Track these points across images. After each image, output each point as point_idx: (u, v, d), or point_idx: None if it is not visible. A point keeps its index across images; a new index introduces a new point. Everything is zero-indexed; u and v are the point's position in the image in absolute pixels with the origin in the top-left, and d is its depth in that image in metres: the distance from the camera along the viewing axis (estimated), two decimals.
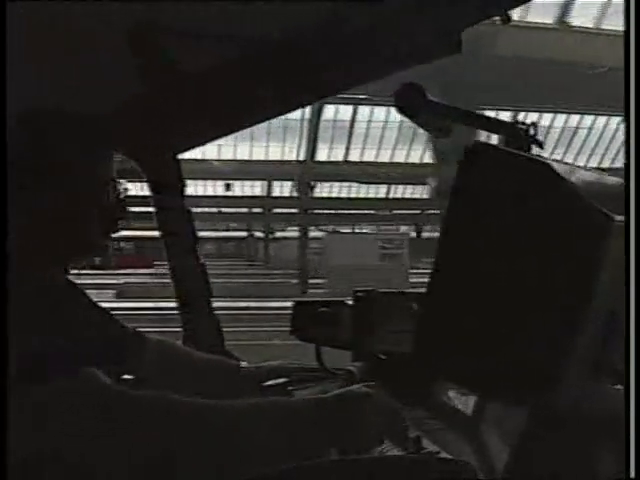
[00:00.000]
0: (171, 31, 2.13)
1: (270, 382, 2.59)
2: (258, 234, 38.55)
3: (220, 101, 2.55)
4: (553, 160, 1.22)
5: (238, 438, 1.60)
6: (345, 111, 22.89)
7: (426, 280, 1.14)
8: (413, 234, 26.41)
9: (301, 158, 24.07)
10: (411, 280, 20.04)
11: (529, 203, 1.07)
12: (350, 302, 2.70)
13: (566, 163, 1.25)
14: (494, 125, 1.54)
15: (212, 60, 2.33)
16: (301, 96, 2.38)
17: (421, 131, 1.60)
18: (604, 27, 18.15)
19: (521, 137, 1.53)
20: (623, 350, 1.35)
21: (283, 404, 1.72)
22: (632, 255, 1.13)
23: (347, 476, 1.52)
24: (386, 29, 1.81)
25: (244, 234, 41.97)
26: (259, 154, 22.59)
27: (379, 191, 27.56)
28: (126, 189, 2.02)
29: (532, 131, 1.56)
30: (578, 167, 1.25)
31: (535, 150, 1.59)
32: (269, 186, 29.67)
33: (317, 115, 23.77)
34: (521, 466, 1.54)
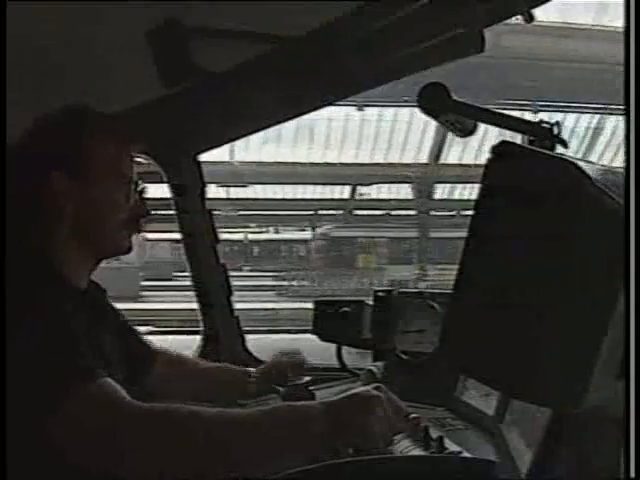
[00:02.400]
0: (192, 31, 2.14)
1: (291, 383, 2.60)
2: None
3: (241, 101, 2.56)
4: (579, 159, 1.22)
5: (248, 445, 1.61)
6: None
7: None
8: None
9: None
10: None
11: (557, 203, 1.07)
12: (370, 302, 2.71)
13: (592, 162, 1.25)
14: (518, 124, 1.54)
15: (232, 60, 2.34)
16: (326, 95, 2.39)
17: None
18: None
19: (545, 136, 1.53)
20: None
21: (293, 409, 1.72)
22: (632, 256, 1.13)
23: (366, 475, 1.52)
24: (408, 28, 1.82)
25: None
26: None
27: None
28: (144, 189, 2.02)
29: (556, 130, 1.56)
30: (604, 166, 1.24)
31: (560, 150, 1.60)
32: None
33: None
34: (544, 466, 1.54)
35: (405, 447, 1.95)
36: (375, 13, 1.90)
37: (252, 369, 2.55)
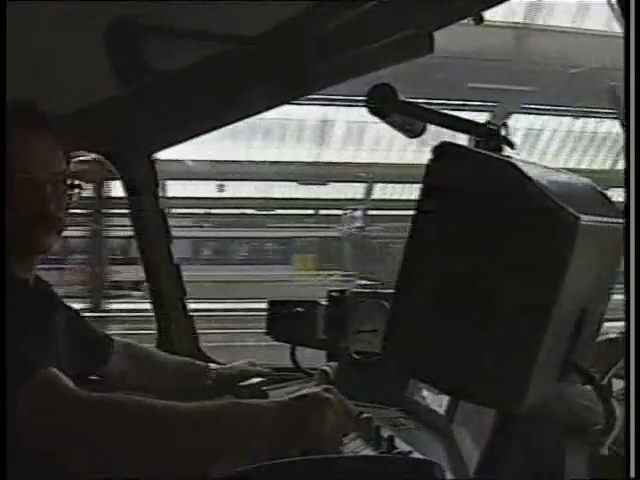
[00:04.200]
0: (147, 29, 2.13)
1: (244, 383, 2.61)
2: None
3: (196, 100, 2.55)
4: (521, 160, 1.23)
5: (194, 439, 1.61)
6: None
7: None
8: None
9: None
10: None
11: (496, 203, 1.07)
12: (324, 302, 2.72)
13: (534, 163, 1.26)
14: (465, 125, 1.54)
15: (187, 58, 2.33)
16: (277, 95, 2.38)
17: None
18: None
19: (493, 137, 1.53)
20: (593, 350, 1.36)
21: (241, 406, 1.73)
22: (632, 255, 1.14)
23: (309, 475, 1.52)
24: (358, 30, 1.82)
25: None
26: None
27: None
28: (74, 186, 1.98)
29: (503, 131, 1.57)
30: (546, 167, 1.25)
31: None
32: None
33: None
34: (490, 466, 1.55)
35: (356, 447, 1.95)
36: (328, 13, 1.90)
37: (214, 365, 2.57)
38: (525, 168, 1.09)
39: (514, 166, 1.07)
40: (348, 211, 24.84)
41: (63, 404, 1.59)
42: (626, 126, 1.21)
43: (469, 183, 1.09)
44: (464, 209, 1.09)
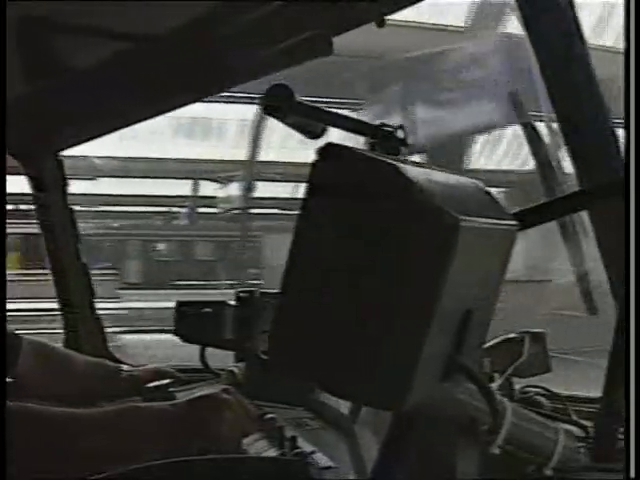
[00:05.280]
0: (55, 26, 2.11)
1: (152, 384, 2.59)
2: None
3: (105, 98, 2.52)
4: (408, 162, 1.24)
5: (92, 443, 1.60)
6: None
7: None
8: None
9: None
10: None
11: (379, 204, 1.08)
12: (232, 302, 2.71)
13: (422, 165, 1.27)
14: (362, 127, 1.56)
15: (96, 56, 2.31)
16: (177, 96, 2.38)
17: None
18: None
19: (388, 139, 1.55)
20: (479, 350, 1.38)
21: (139, 409, 1.73)
22: (632, 255, 1.15)
23: (193, 476, 1.53)
24: (257, 32, 1.82)
25: None
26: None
27: None
28: None
29: (400, 133, 1.58)
30: (434, 169, 1.26)
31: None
32: None
33: None
34: (386, 467, 1.56)
35: (260, 448, 1.95)
36: (232, 13, 1.90)
37: (126, 366, 2.56)
38: (409, 170, 1.10)
39: (396, 168, 1.08)
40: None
41: None
42: (626, 126, 1.23)
43: (352, 184, 1.10)
44: (347, 210, 1.10)
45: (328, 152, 1.11)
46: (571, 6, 2.00)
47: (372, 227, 1.08)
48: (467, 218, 1.08)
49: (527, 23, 2.00)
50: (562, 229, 2.10)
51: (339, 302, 1.10)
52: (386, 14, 1.87)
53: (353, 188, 1.09)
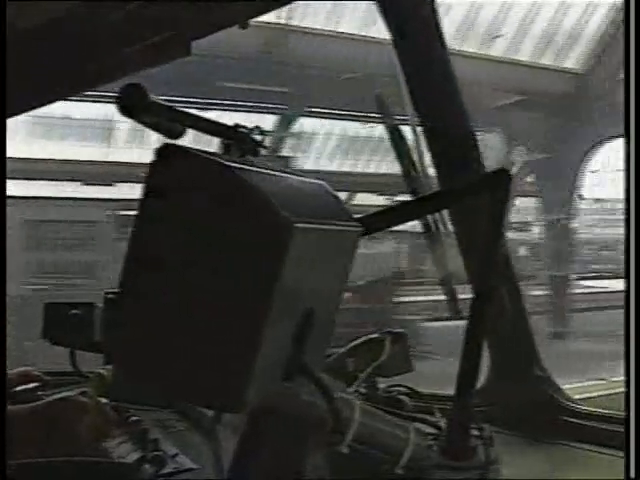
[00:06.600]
0: None
1: (20, 387, 2.54)
2: None
3: None
4: (259, 163, 1.24)
5: None
6: None
7: None
8: None
9: None
10: None
11: (216, 205, 1.08)
12: (101, 304, 2.67)
13: (266, 166, 1.27)
14: (217, 128, 1.55)
15: None
16: (45, 92, 2.33)
17: None
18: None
19: (243, 141, 1.54)
20: (324, 349, 1.39)
21: None
22: (632, 256, 1.16)
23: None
24: (115, 32, 1.80)
25: None
26: None
27: None
28: None
29: (257, 135, 1.58)
30: (278, 171, 1.27)
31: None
32: None
33: None
34: (240, 466, 1.56)
35: (125, 450, 1.94)
36: (89, 13, 1.87)
37: None
38: (247, 171, 1.10)
39: (232, 169, 1.09)
40: None
41: None
42: (626, 126, 1.24)
43: (189, 185, 1.10)
44: (185, 210, 1.10)
45: (166, 152, 1.11)
46: (434, 12, 2.04)
47: (209, 228, 1.08)
48: (302, 220, 1.09)
49: (390, 28, 2.04)
50: (426, 232, 2.13)
51: (176, 303, 1.10)
52: (249, 17, 1.87)
53: (190, 188, 1.09)
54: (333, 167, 19.69)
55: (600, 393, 7.96)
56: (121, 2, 1.79)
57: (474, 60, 15.34)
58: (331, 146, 20.98)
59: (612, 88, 14.02)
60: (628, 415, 1.25)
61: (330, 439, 1.42)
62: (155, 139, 1.44)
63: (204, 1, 1.77)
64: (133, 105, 1.51)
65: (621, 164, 1.28)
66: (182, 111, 1.54)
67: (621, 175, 1.28)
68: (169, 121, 1.59)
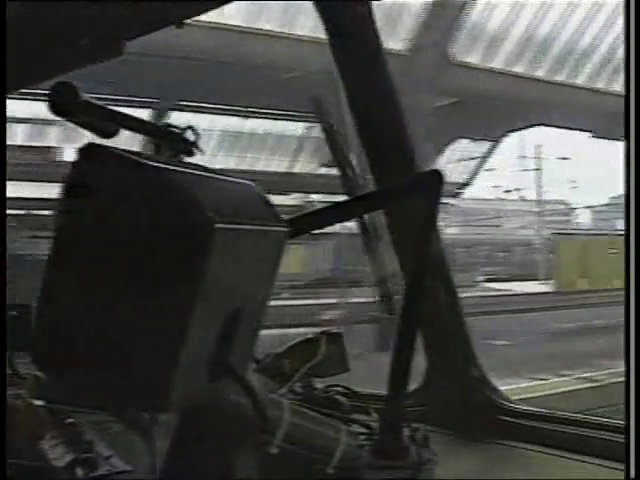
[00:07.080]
0: None
1: None
2: None
3: None
4: (187, 164, 1.24)
5: None
6: None
7: None
8: None
9: None
10: None
11: (139, 205, 1.08)
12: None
13: (195, 167, 1.27)
14: (148, 128, 1.54)
15: None
16: None
17: None
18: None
19: (175, 141, 1.54)
20: (249, 349, 1.39)
21: None
22: (632, 256, 1.16)
23: None
24: (47, 31, 1.79)
25: None
26: None
27: None
28: None
29: (190, 135, 1.57)
30: (208, 172, 1.27)
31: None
32: None
33: None
34: (169, 467, 1.56)
35: (60, 452, 1.92)
36: (23, 12, 1.86)
37: None
38: (172, 172, 1.10)
39: (156, 169, 1.08)
40: None
41: None
42: (626, 126, 1.24)
43: (114, 185, 1.09)
44: (107, 210, 1.09)
45: (89, 152, 1.10)
46: (369, 12, 2.05)
47: (133, 228, 1.08)
48: (226, 220, 1.09)
49: (327, 27, 2.04)
50: (362, 233, 2.13)
51: (100, 304, 1.09)
52: (185, 17, 1.87)
53: (114, 189, 1.08)
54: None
55: None
56: (55, 2, 1.78)
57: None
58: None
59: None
60: (628, 414, 1.26)
61: (260, 439, 1.42)
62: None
63: (138, 1, 1.77)
64: (63, 104, 1.50)
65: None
66: (114, 110, 1.53)
67: None
68: (102, 120, 1.58)
